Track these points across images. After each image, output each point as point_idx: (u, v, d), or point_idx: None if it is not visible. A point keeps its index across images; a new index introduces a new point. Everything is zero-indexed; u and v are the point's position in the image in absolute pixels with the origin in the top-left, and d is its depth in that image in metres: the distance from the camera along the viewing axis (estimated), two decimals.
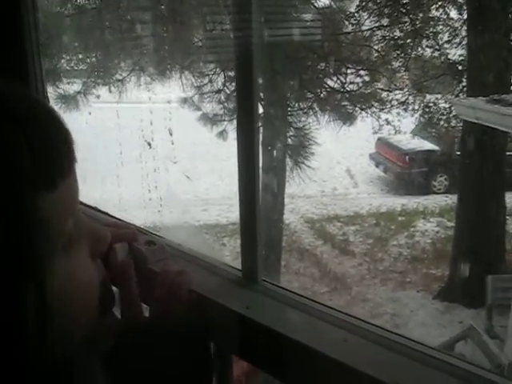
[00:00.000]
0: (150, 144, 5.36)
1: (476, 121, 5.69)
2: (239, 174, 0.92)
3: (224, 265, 1.00)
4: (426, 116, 8.09)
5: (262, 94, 6.13)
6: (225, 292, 0.93)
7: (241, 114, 0.93)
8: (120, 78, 6.70)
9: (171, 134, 5.36)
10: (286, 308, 0.89)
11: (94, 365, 0.78)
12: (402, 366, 0.75)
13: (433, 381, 0.74)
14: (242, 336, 0.89)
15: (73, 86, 6.73)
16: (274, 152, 6.77)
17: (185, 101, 6.97)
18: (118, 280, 0.87)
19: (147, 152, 5.52)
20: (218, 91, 6.75)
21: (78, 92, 6.68)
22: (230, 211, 8.80)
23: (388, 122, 7.75)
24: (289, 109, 6.86)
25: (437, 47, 7.35)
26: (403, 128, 8.50)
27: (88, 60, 7.24)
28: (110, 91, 6.82)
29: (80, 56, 7.38)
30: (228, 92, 6.62)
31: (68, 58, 7.23)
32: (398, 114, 7.76)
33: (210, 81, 6.82)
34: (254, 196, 0.91)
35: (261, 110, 6.56)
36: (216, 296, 0.91)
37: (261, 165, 0.98)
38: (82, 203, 1.38)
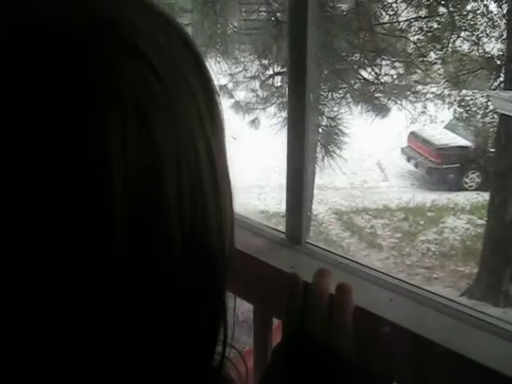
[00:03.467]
0: None
1: None
2: (288, 133, 0.94)
3: (267, 227, 1.02)
4: (460, 111, 7.98)
5: None
6: (269, 252, 0.95)
7: (292, 97, 0.94)
8: None
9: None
10: (331, 268, 0.89)
11: None
12: (448, 325, 0.76)
13: (478, 340, 0.74)
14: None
15: None
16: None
17: (219, 88, 6.99)
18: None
19: None
20: (252, 78, 6.75)
21: None
22: (259, 199, 8.82)
23: (424, 112, 7.66)
24: (322, 98, 6.83)
25: (475, 40, 7.22)
26: (436, 123, 8.40)
27: None
28: None
29: None
30: (263, 79, 6.62)
31: None
32: (435, 105, 7.67)
33: (245, 68, 6.83)
34: (302, 156, 0.92)
35: None
36: (260, 255, 0.92)
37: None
38: None
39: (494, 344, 0.74)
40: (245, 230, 1.02)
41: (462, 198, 9.28)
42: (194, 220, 0.46)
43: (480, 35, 7.16)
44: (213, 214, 0.48)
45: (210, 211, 0.48)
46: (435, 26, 7.14)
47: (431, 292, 0.81)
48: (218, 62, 6.85)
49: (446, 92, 7.65)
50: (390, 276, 0.85)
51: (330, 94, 6.95)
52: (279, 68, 6.77)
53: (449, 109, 7.91)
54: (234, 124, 7.51)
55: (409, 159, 10.07)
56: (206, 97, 0.50)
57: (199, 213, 0.47)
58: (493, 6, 6.96)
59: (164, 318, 0.47)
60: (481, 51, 7.26)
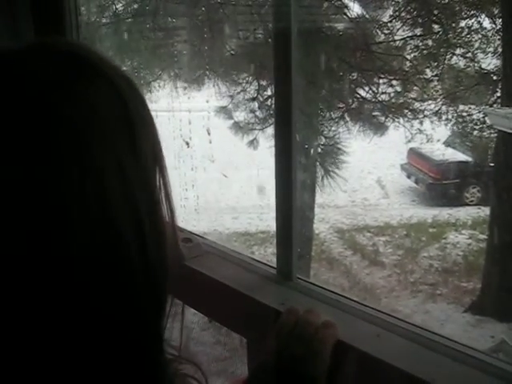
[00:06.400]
0: (188, 143, 5.44)
1: (511, 131, 5.62)
2: (276, 172, 0.95)
3: (259, 262, 1.03)
4: (458, 126, 8.00)
5: None
6: (260, 288, 0.96)
7: (279, 121, 0.96)
8: (156, 87, 6.82)
9: (209, 134, 5.42)
10: (321, 304, 0.91)
11: None
12: (436, 362, 0.76)
13: (466, 378, 0.75)
14: None
15: None
16: (305, 160, 6.78)
17: (217, 109, 7.04)
18: None
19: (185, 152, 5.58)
20: (252, 99, 6.80)
21: None
22: (260, 220, 8.82)
23: (421, 131, 7.68)
24: (320, 118, 6.87)
25: (470, 56, 7.27)
26: (435, 139, 8.41)
27: (124, 68, 7.37)
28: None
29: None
30: (261, 100, 6.67)
31: None
32: (432, 122, 7.68)
33: (243, 89, 6.88)
34: (291, 194, 0.93)
35: None
36: (251, 292, 0.93)
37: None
38: None
39: (483, 381, 0.74)
40: (236, 265, 1.03)
41: (464, 213, 9.26)
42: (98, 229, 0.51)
43: (475, 51, 7.21)
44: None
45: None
46: (430, 43, 7.19)
47: (419, 327, 0.82)
48: (217, 84, 6.91)
49: (444, 108, 7.68)
50: (379, 311, 0.86)
51: (328, 113, 6.99)
52: None
53: (446, 125, 7.93)
54: (231, 144, 7.56)
55: (409, 176, 10.08)
56: (126, 128, 0.56)
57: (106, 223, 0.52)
58: (486, 23, 7.02)
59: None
60: (477, 67, 7.31)
